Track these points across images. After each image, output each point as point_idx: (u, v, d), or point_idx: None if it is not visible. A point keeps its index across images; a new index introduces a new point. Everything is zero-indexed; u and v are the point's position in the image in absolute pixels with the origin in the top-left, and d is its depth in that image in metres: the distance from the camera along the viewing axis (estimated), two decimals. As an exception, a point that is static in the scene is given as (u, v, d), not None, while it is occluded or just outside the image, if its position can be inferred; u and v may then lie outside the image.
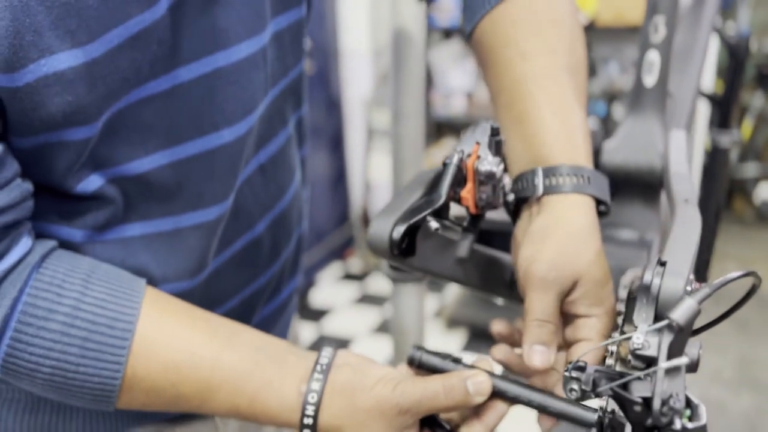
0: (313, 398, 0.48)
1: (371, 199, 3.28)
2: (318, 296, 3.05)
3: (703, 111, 2.41)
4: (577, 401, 0.38)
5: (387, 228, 0.47)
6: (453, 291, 2.81)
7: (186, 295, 0.54)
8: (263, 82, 0.55)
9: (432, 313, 2.82)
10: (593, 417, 0.42)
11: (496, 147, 0.49)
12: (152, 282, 0.52)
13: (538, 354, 0.47)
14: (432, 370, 0.49)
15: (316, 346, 2.62)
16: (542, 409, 0.45)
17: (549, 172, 0.49)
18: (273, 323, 0.69)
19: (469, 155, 0.50)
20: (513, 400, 0.47)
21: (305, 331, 2.73)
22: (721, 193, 1.34)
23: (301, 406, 0.48)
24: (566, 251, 0.47)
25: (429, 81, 3.10)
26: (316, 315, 2.89)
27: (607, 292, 0.49)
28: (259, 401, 0.49)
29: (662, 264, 0.39)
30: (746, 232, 3.75)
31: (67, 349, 0.45)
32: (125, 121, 0.47)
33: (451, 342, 2.60)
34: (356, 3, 3.11)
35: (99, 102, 0.44)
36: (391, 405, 0.47)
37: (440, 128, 3.31)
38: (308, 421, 0.48)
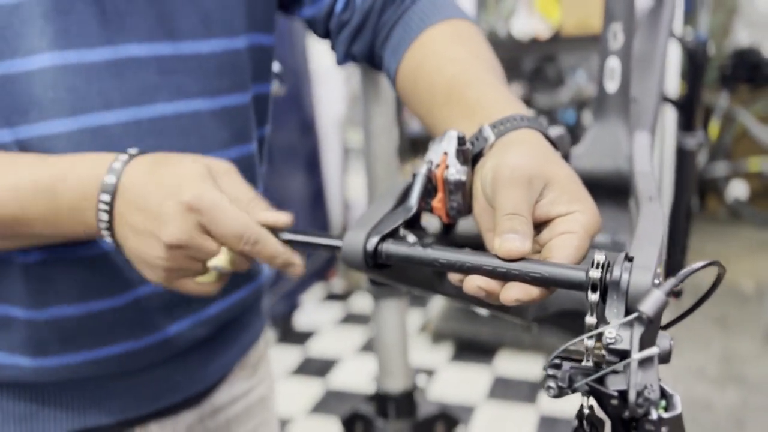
0: (118, 163, 0.52)
1: (350, 219, 3.28)
2: (302, 318, 3.03)
3: (673, 115, 2.47)
4: (558, 395, 0.37)
5: (360, 241, 0.47)
6: (437, 305, 2.82)
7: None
8: (115, 91, 0.58)
9: (417, 327, 2.82)
10: (581, 276, 0.39)
11: (464, 156, 0.50)
12: None
13: (510, 240, 0.42)
14: (402, 261, 0.46)
15: (302, 369, 2.60)
16: (521, 278, 0.41)
17: (496, 123, 0.50)
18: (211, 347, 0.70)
19: (437, 165, 0.50)
20: (491, 274, 0.42)
21: (290, 355, 2.71)
22: (690, 194, 1.36)
23: (106, 167, 0.52)
24: (530, 155, 0.46)
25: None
26: (301, 338, 2.87)
27: (583, 190, 0.46)
28: (69, 174, 0.52)
29: (630, 259, 0.39)
30: (720, 230, 3.82)
31: None
32: None
33: (438, 355, 2.60)
34: (325, 25, 3.13)
35: None
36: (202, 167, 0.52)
37: (415, 144, 3.33)
38: (110, 179, 0.51)
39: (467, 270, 0.44)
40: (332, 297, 3.25)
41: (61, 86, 0.54)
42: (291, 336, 2.88)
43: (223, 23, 0.62)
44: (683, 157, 1.31)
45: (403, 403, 1.03)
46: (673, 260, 1.32)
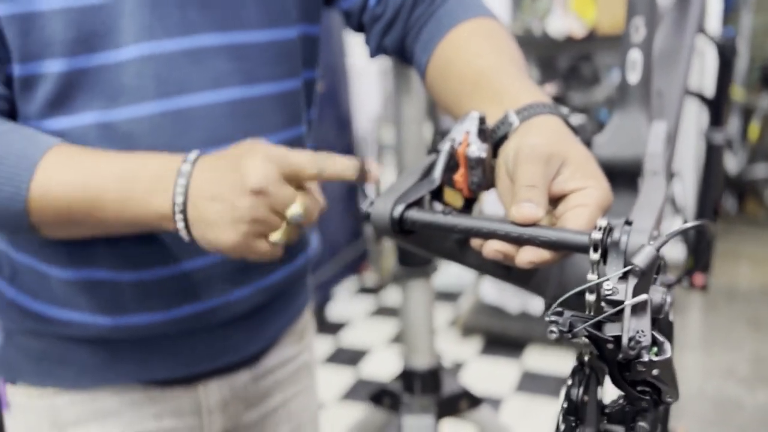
0: (192, 155, 0.59)
1: (384, 213, 3.32)
2: (334, 310, 3.10)
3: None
4: (560, 337, 0.41)
5: (387, 208, 0.52)
6: (467, 300, 2.85)
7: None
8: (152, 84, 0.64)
9: (447, 322, 2.86)
10: (584, 239, 0.43)
11: (484, 135, 0.54)
12: None
13: (524, 207, 0.46)
14: (425, 227, 0.51)
15: (334, 358, 2.67)
16: (532, 241, 0.45)
17: (520, 109, 0.55)
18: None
19: (460, 143, 0.55)
20: (504, 238, 0.47)
21: (322, 344, 2.78)
22: (719, 189, 1.37)
23: (181, 158, 0.58)
24: (550, 136, 0.51)
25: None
26: (333, 328, 2.93)
27: (597, 168, 0.50)
28: (148, 163, 0.59)
29: (629, 224, 0.44)
30: (759, 232, 3.76)
31: None
32: None
33: (467, 349, 2.64)
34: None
35: None
36: (257, 144, 0.58)
37: (449, 141, 3.37)
38: (186, 166, 0.57)
39: (484, 235, 0.48)
40: (364, 290, 3.31)
41: (146, 74, 0.62)
42: (324, 326, 2.94)
43: (280, 14, 0.69)
44: (711, 152, 1.33)
45: (429, 380, 1.08)
46: (703, 258, 1.34)
